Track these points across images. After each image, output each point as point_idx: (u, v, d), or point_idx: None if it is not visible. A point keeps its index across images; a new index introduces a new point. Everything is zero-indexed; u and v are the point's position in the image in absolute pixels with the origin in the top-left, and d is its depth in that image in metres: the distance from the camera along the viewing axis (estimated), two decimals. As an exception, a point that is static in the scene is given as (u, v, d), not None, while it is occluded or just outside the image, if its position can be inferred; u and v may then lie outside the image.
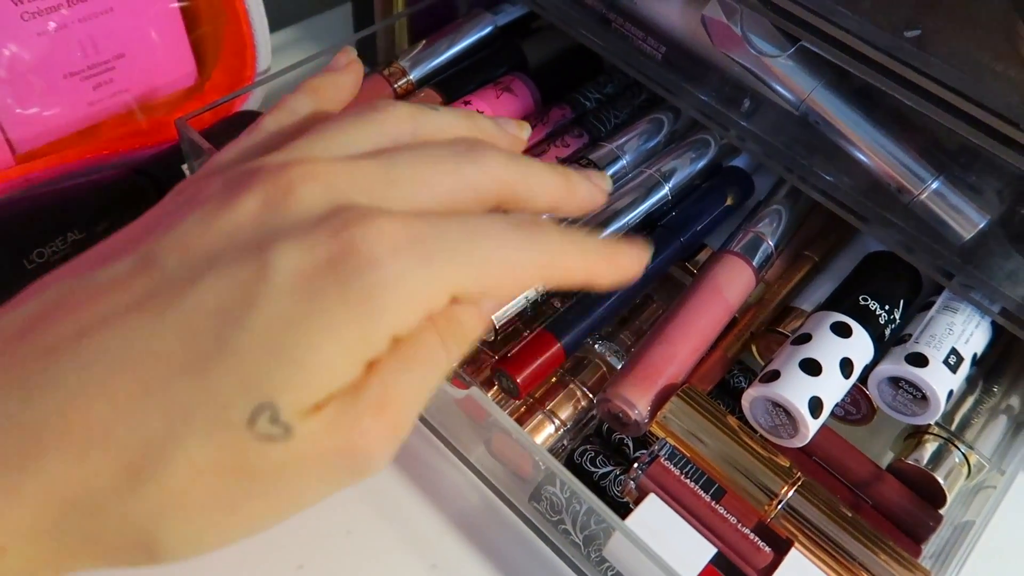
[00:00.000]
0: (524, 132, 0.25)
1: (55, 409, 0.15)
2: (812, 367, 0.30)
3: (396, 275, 0.16)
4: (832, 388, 0.30)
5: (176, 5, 0.41)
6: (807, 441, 0.30)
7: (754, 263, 0.35)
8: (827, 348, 0.31)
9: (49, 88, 0.38)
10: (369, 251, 0.16)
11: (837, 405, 0.31)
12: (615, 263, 0.21)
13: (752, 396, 0.30)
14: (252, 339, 0.16)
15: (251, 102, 0.43)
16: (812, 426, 0.29)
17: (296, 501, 0.17)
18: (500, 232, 0.18)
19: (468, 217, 0.18)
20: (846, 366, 0.31)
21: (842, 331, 0.32)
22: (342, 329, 0.16)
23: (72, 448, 0.15)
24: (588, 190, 0.23)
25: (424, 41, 0.43)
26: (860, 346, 0.31)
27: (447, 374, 0.19)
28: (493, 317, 0.32)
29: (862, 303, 0.32)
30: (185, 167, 0.39)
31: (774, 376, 0.30)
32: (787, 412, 0.30)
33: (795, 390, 0.29)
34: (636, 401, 0.30)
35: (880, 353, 0.32)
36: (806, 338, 0.32)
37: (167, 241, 0.17)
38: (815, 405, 0.29)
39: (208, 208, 0.17)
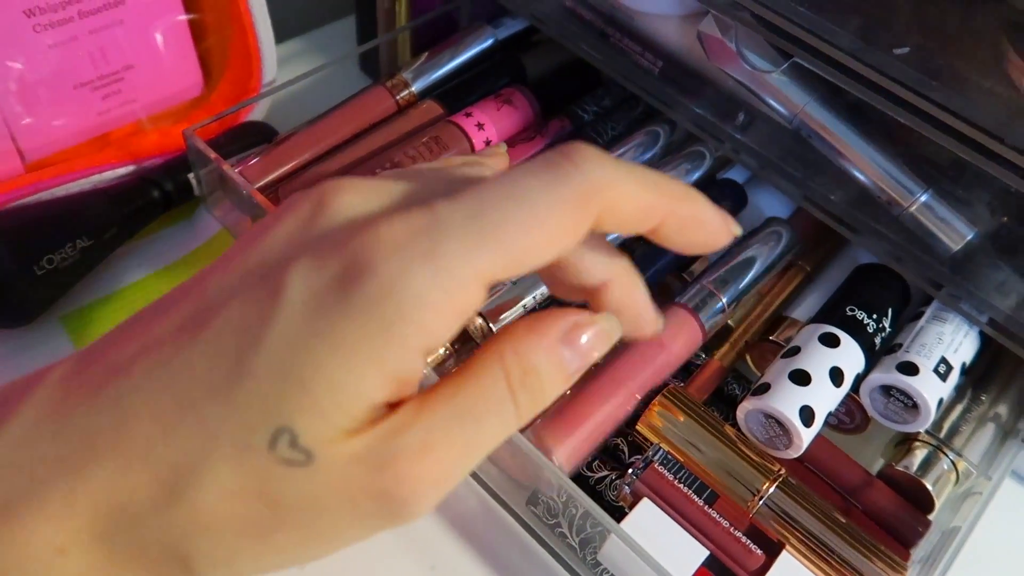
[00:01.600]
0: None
1: (109, 423, 0.16)
2: (802, 378, 0.31)
3: (395, 278, 0.15)
4: (823, 397, 0.31)
5: (184, 17, 0.42)
6: (802, 451, 0.30)
7: (702, 318, 0.34)
8: (816, 359, 0.32)
9: (59, 98, 0.38)
10: (367, 258, 0.15)
11: (831, 414, 0.32)
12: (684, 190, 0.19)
13: (746, 409, 0.31)
14: (266, 361, 0.15)
15: (256, 113, 0.44)
16: (805, 435, 0.30)
17: (328, 538, 0.16)
18: (516, 190, 0.16)
19: (475, 189, 0.17)
20: (836, 375, 0.31)
21: (830, 342, 0.32)
22: (351, 347, 0.15)
23: (119, 460, 0.16)
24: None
25: (426, 53, 0.44)
26: (849, 355, 0.32)
27: (513, 431, 0.17)
28: (492, 324, 0.33)
29: (849, 314, 0.33)
30: (192, 176, 0.40)
31: (765, 389, 0.31)
32: (780, 423, 0.30)
33: (785, 400, 0.30)
34: (554, 448, 0.30)
35: (871, 362, 0.33)
36: (795, 350, 0.32)
37: (216, 265, 0.18)
38: (807, 414, 0.30)
39: (255, 231, 0.18)
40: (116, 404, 0.16)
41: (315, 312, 0.15)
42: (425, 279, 0.15)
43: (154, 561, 0.16)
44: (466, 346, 0.35)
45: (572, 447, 0.30)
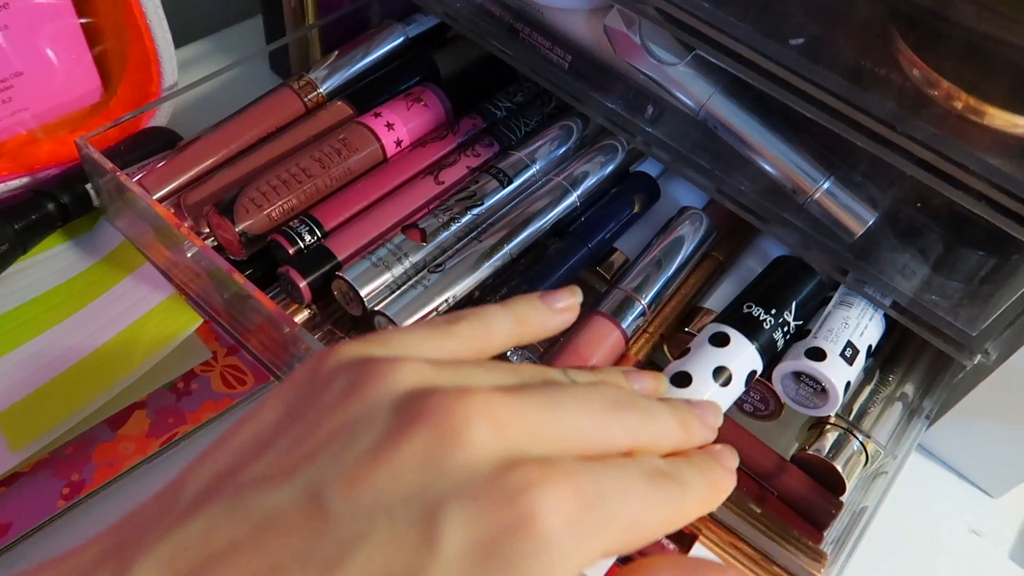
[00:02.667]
0: (662, 386, 0.25)
1: None
2: (682, 379, 0.31)
3: (568, 553, 0.16)
4: (708, 397, 0.31)
5: (77, 21, 0.40)
6: None
7: (623, 325, 0.34)
8: (702, 360, 0.32)
9: (-59, 109, 0.36)
10: (543, 526, 0.16)
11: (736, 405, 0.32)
12: (719, 498, 0.21)
13: None
14: None
15: (158, 118, 0.42)
16: None
17: None
18: (644, 491, 0.18)
19: (620, 476, 0.18)
20: (719, 374, 0.31)
21: (720, 341, 0.32)
22: None
23: None
24: (702, 433, 0.23)
25: (335, 53, 0.43)
26: (738, 354, 0.32)
27: None
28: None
29: (746, 311, 0.33)
30: (89, 187, 0.39)
31: None
32: None
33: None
34: None
35: (777, 356, 0.33)
36: (686, 351, 0.33)
37: (331, 472, 0.16)
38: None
39: (373, 436, 0.17)
40: None
41: (475, 571, 0.15)
42: (584, 556, 0.16)
43: None
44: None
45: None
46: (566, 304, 0.24)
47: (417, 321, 0.32)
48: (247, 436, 0.18)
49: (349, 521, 0.16)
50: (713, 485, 0.21)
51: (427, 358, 0.19)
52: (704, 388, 0.31)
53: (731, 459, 0.23)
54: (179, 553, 0.16)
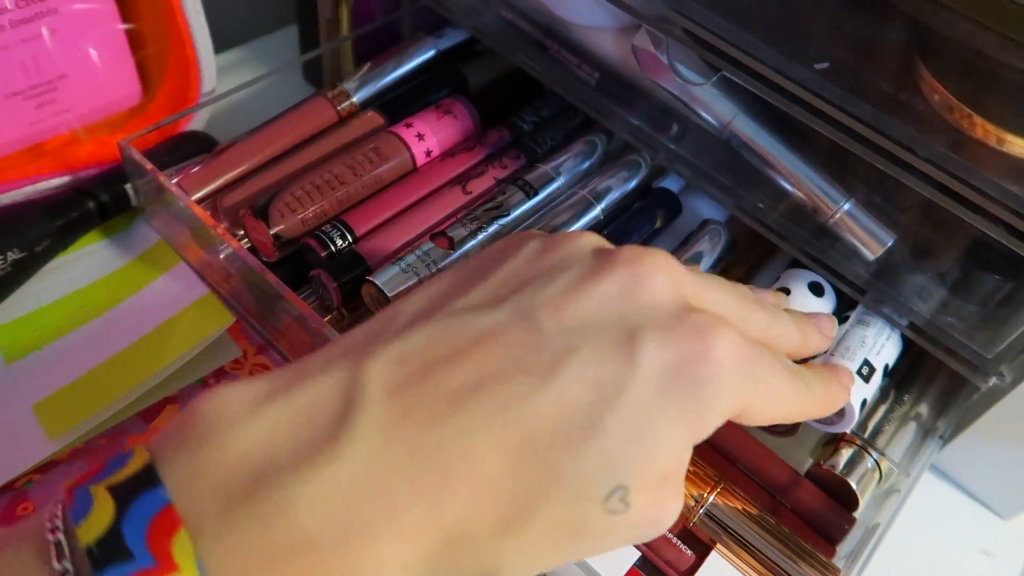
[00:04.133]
0: (783, 302, 0.30)
1: (460, 454, 0.17)
2: None
3: (732, 385, 0.19)
4: None
5: (121, 27, 0.41)
6: None
7: None
8: None
9: (-11, 108, 0.38)
10: (719, 359, 0.19)
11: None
12: (832, 407, 0.25)
13: None
14: (618, 423, 0.18)
15: (196, 122, 0.44)
16: None
17: (601, 551, 0.19)
18: (782, 371, 0.22)
19: (768, 353, 0.21)
20: None
21: None
22: (686, 424, 0.19)
23: (471, 490, 0.17)
24: (818, 341, 0.26)
25: (368, 64, 0.44)
26: None
27: None
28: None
29: None
30: (128, 187, 0.40)
31: None
32: None
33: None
34: None
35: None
36: None
37: (540, 299, 0.19)
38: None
39: (574, 275, 0.20)
40: (464, 435, 0.17)
41: (664, 386, 0.18)
42: (740, 394, 0.20)
43: None
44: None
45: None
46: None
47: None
48: (449, 280, 0.21)
49: (560, 337, 0.18)
50: (830, 396, 0.24)
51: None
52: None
53: (848, 379, 0.26)
54: (406, 356, 0.18)
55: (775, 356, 0.22)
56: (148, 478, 0.16)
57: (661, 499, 0.19)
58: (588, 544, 0.19)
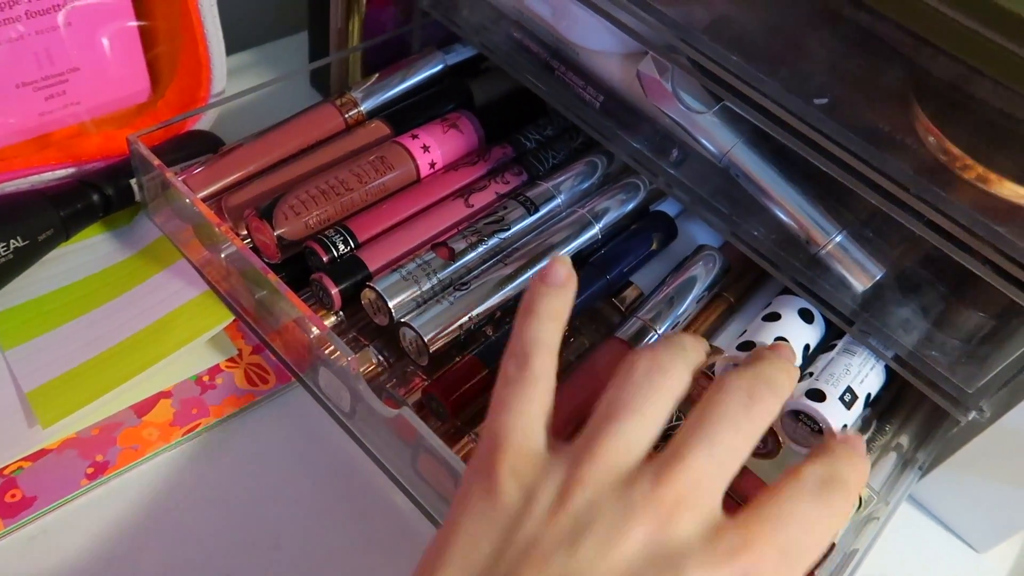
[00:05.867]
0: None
1: None
2: None
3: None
4: None
5: (134, 24, 0.42)
6: None
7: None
8: None
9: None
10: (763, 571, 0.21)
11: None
12: (858, 490, 0.25)
13: None
14: None
15: (203, 122, 0.44)
16: None
17: None
18: (819, 516, 0.22)
19: (797, 512, 0.22)
20: None
21: None
22: None
23: None
24: (792, 369, 0.26)
25: (377, 74, 0.45)
26: None
27: None
28: (427, 339, 0.34)
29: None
30: (133, 182, 0.40)
31: None
32: None
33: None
34: None
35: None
36: None
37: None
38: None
39: (599, 534, 0.21)
40: None
41: None
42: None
43: None
44: (400, 361, 0.36)
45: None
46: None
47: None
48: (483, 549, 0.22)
49: None
50: (863, 475, 0.24)
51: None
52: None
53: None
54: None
55: (806, 505, 0.22)
56: None
57: None
58: None
